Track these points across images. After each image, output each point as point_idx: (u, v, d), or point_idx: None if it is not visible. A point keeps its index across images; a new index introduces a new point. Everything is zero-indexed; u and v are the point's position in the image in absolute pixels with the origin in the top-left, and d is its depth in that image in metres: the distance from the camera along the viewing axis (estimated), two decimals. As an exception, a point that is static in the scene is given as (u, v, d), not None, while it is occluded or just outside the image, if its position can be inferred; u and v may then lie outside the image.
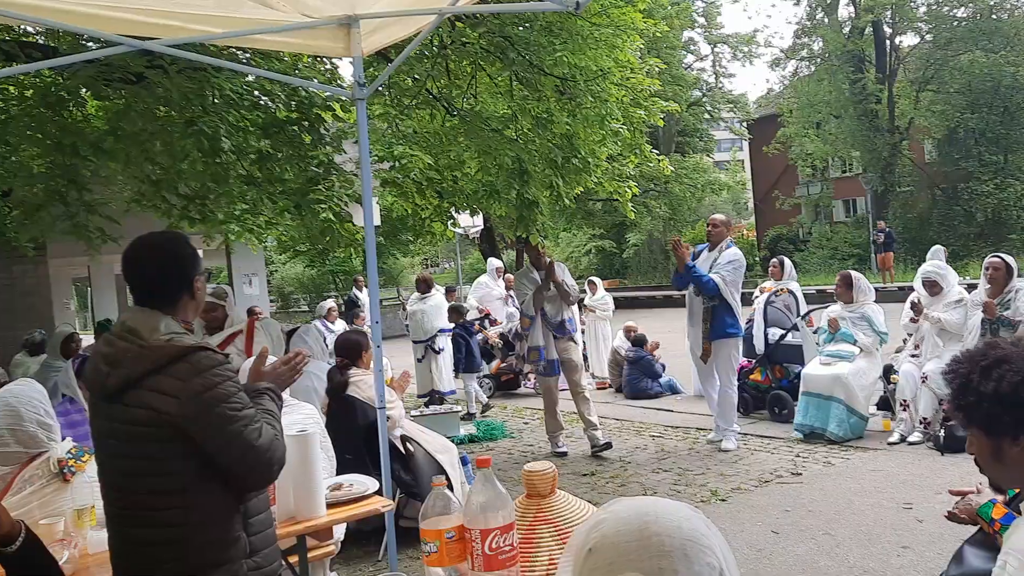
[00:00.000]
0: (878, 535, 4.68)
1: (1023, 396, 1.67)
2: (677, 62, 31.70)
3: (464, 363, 9.75)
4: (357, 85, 4.03)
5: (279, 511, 2.97)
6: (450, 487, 4.59)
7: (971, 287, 6.95)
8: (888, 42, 30.70)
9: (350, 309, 14.20)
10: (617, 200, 8.79)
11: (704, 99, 36.48)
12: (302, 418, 3.71)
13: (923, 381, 6.48)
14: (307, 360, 2.58)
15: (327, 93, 6.38)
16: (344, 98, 6.41)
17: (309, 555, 3.25)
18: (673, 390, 9.87)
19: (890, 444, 6.60)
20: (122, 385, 2.08)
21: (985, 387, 1.72)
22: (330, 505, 3.16)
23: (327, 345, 7.64)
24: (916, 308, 6.76)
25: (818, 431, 6.91)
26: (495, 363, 11.15)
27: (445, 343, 10.13)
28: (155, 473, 2.08)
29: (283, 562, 2.83)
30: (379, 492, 3.47)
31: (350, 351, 5.13)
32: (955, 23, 28.56)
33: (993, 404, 1.71)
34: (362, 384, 4.94)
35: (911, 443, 6.50)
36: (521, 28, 6.96)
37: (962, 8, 28.69)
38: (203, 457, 2.09)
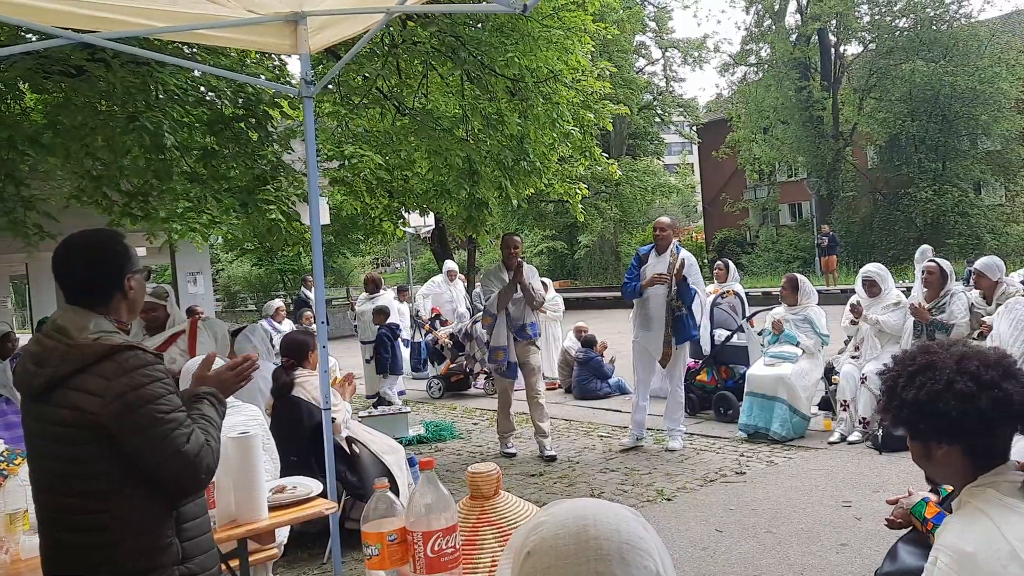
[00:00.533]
0: (818, 533, 4.78)
1: (940, 407, 1.66)
2: (628, 66, 32.03)
3: (389, 365, 9.65)
4: (304, 83, 3.98)
5: (219, 514, 2.92)
6: (396, 489, 4.58)
7: (908, 290, 7.13)
8: (833, 50, 31.40)
9: (299, 308, 14.03)
10: (568, 202, 8.84)
11: (655, 103, 36.86)
12: (245, 419, 3.66)
13: (862, 382, 6.63)
14: (257, 366, 2.49)
15: (274, 90, 6.29)
16: (292, 95, 6.34)
17: (251, 559, 3.21)
18: (622, 391, 9.93)
19: (831, 443, 6.74)
20: (48, 384, 2.03)
21: (907, 394, 1.72)
22: (273, 508, 3.11)
23: (274, 345, 7.54)
24: (855, 310, 6.94)
25: (762, 431, 7.03)
26: (445, 364, 11.13)
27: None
28: (82, 475, 2.02)
29: (223, 567, 2.79)
30: (324, 494, 3.44)
31: (296, 351, 5.06)
32: (897, 33, 29.29)
33: (912, 411, 1.71)
34: (308, 385, 4.88)
35: (851, 442, 6.66)
36: (472, 28, 6.94)
37: (904, 19, 29.42)
38: (130, 459, 2.02)
